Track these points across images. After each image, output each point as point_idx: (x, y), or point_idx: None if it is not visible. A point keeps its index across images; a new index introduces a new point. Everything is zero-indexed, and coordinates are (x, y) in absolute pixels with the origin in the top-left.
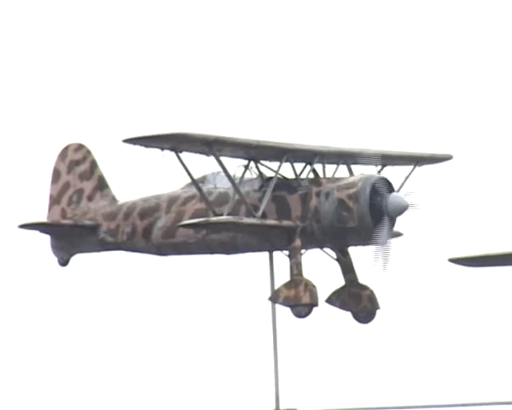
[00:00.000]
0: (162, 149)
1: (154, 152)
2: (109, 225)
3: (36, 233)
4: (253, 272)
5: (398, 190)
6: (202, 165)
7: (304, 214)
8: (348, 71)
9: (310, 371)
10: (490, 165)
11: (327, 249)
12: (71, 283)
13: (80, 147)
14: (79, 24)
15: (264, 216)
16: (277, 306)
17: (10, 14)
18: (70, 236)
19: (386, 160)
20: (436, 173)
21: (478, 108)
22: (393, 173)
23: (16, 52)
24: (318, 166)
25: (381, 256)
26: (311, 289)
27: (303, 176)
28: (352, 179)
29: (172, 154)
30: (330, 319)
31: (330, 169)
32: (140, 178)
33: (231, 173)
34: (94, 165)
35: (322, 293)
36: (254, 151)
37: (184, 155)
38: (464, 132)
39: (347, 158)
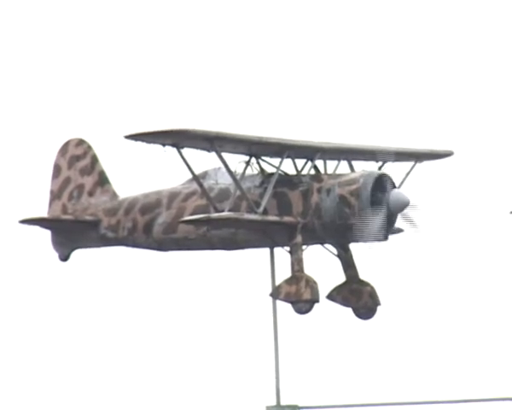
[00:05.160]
0: (164, 144)
1: (156, 148)
2: (110, 220)
3: (36, 229)
4: (254, 268)
5: (399, 187)
6: (204, 161)
7: (305, 211)
8: (349, 67)
9: (311, 367)
10: (491, 161)
11: (328, 245)
12: (71, 278)
13: (81, 142)
14: (80, 20)
15: (265, 212)
16: (278, 302)
17: (11, 11)
18: (71, 231)
19: (389, 156)
20: (437, 170)
21: (478, 104)
22: (394, 170)
23: (17, 48)
24: (319, 163)
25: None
26: (312, 285)
27: (304, 172)
28: (353, 176)
29: (174, 150)
30: (331, 315)
31: (331, 165)
32: (141, 174)
33: (232, 169)
34: (94, 160)
35: (323, 289)
36: (256, 147)
37: (186, 151)
38: (465, 128)
39: (348, 154)
